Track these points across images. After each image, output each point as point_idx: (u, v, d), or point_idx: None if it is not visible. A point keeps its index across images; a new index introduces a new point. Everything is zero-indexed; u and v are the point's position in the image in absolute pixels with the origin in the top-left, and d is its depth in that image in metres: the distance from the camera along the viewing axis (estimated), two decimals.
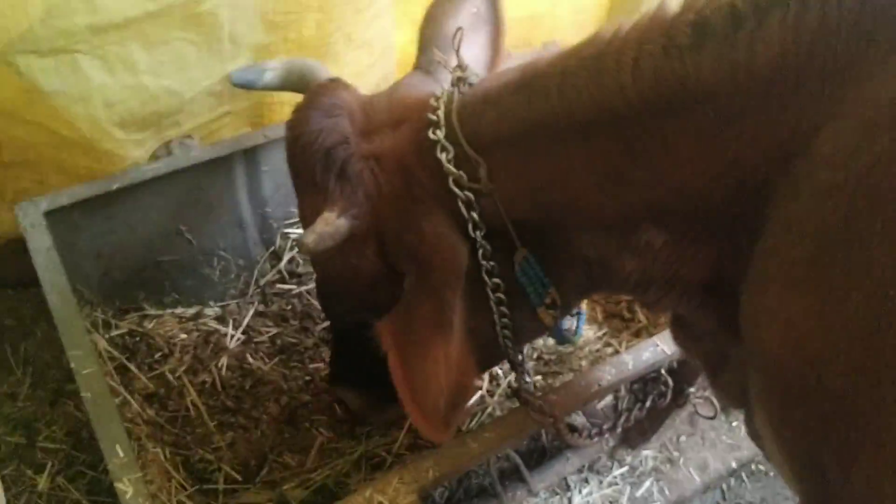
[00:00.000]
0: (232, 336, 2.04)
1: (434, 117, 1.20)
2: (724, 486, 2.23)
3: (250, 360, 2.01)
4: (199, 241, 2.03)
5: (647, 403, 1.84)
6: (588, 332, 2.17)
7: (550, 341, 2.14)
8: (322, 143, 1.22)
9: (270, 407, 1.94)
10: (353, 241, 1.21)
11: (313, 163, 1.22)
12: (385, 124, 1.28)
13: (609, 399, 2.00)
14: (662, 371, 1.79)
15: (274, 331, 2.07)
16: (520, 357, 1.47)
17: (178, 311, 2.07)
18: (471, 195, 1.18)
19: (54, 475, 1.89)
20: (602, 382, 1.66)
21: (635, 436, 2.13)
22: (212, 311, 2.09)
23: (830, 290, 0.89)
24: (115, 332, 1.96)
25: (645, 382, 1.86)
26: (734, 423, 2.28)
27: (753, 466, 2.26)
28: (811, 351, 0.92)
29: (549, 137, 1.12)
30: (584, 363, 2.09)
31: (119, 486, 1.38)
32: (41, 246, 1.68)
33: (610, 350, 2.13)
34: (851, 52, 0.89)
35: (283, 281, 2.15)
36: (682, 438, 2.23)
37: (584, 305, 1.60)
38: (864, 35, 0.89)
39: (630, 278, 1.23)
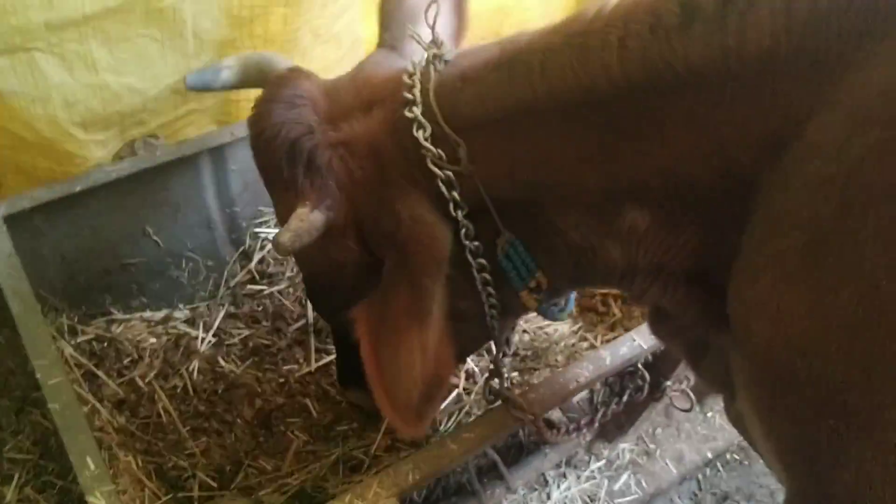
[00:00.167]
0: (202, 339, 1.99)
1: (409, 95, 1.16)
2: (700, 477, 2.24)
3: (222, 363, 1.97)
4: (167, 243, 1.99)
5: (625, 398, 1.84)
6: (563, 327, 2.16)
7: (527, 337, 2.12)
8: (286, 136, 1.17)
9: (244, 411, 1.90)
10: (331, 233, 1.16)
11: (279, 158, 1.17)
12: (353, 108, 1.23)
13: (584, 393, 2.00)
14: (639, 365, 1.79)
15: (245, 332, 2.03)
16: (505, 339, 1.46)
17: (147, 314, 2.02)
18: (451, 174, 1.15)
19: (22, 486, 1.84)
20: (580, 379, 1.64)
21: (612, 429, 2.13)
22: (181, 313, 2.05)
23: (822, 281, 0.88)
24: (81, 338, 1.91)
25: (621, 377, 1.85)
26: (709, 414, 2.29)
27: (728, 456, 2.27)
28: (802, 342, 0.91)
29: (531, 116, 1.09)
30: (560, 358, 2.08)
31: (91, 499, 1.34)
32: (1, 252, 1.62)
33: (585, 344, 2.12)
34: (843, 40, 0.88)
35: (253, 281, 2.11)
36: (658, 431, 2.24)
37: None
38: (856, 23, 0.87)
39: (615, 266, 1.20)
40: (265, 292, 2.10)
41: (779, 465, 1.07)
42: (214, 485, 1.74)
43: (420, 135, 1.14)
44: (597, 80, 1.02)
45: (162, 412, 1.85)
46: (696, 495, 2.21)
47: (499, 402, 1.53)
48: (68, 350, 1.86)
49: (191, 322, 2.04)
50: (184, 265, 2.05)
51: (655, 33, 0.98)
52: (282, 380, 1.97)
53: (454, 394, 1.95)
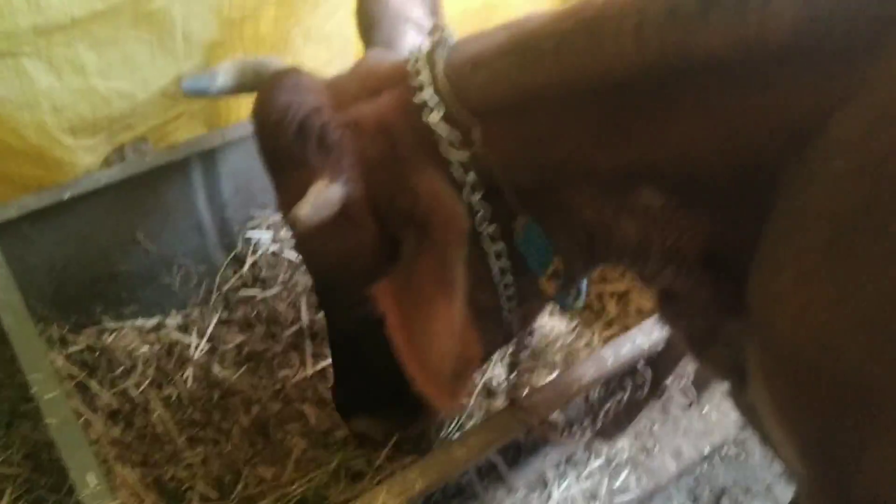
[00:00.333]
0: (196, 346, 1.96)
1: (419, 79, 1.15)
2: (698, 471, 2.24)
3: (217, 370, 1.93)
4: (158, 249, 1.95)
5: (626, 397, 1.83)
6: (559, 325, 2.15)
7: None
8: (294, 116, 1.15)
9: (241, 418, 1.87)
10: (346, 210, 1.14)
11: (289, 138, 1.14)
12: (358, 96, 1.21)
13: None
14: (640, 364, 1.78)
15: (240, 338, 2.00)
16: (525, 333, 1.44)
17: (138, 322, 1.98)
18: (465, 156, 1.13)
19: (14, 501, 1.79)
20: (584, 380, 1.63)
21: (611, 427, 2.12)
22: (173, 320, 2.01)
23: (847, 276, 0.88)
24: (72, 349, 1.87)
25: (621, 375, 1.85)
26: (705, 409, 2.29)
27: (725, 450, 2.27)
28: (827, 337, 0.91)
29: (544, 99, 1.08)
30: (557, 357, 2.06)
31: None
32: None
33: (583, 342, 2.11)
34: (869, 31, 0.86)
35: (246, 286, 2.08)
36: (656, 427, 2.23)
37: None
38: (883, 13, 0.86)
39: (630, 243, 1.19)
40: (258, 297, 2.06)
41: (796, 457, 1.07)
42: (214, 496, 1.71)
43: (433, 116, 1.13)
44: (612, 66, 1.02)
45: (158, 422, 1.81)
46: (693, 490, 2.22)
47: (502, 406, 1.52)
48: (60, 361, 1.82)
49: (183, 329, 2.00)
50: (175, 271, 2.01)
51: (673, 20, 0.96)
52: (278, 386, 1.94)
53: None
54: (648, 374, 1.80)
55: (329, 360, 1.98)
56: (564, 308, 1.47)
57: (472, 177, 1.15)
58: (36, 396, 1.42)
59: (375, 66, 1.28)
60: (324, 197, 1.09)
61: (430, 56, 1.18)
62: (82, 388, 1.83)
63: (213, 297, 2.05)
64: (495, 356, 2.00)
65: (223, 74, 1.40)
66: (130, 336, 1.94)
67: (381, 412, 1.56)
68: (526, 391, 1.92)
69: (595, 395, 1.89)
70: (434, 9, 1.49)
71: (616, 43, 1.00)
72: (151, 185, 1.83)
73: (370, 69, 1.27)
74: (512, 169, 1.16)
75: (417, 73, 1.16)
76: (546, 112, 1.10)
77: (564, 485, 2.06)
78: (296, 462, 1.78)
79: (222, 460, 1.77)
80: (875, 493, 0.95)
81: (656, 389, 1.86)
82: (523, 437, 2.04)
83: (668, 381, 1.86)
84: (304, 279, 2.11)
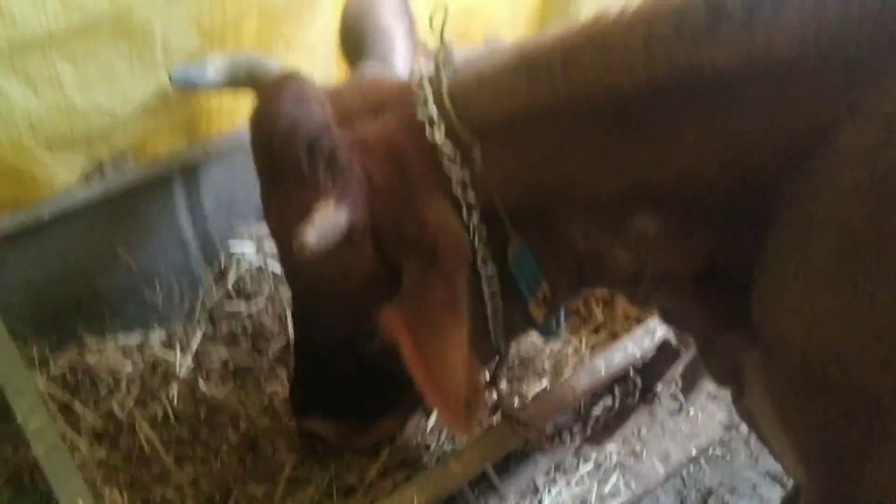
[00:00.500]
0: (181, 363, 1.92)
1: (422, 97, 1.14)
2: (684, 473, 2.25)
3: (203, 386, 1.90)
4: (139, 265, 1.91)
5: (617, 404, 1.83)
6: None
7: (513, 346, 2.10)
8: (303, 132, 1.12)
9: (230, 435, 1.83)
10: (349, 236, 1.12)
11: (297, 155, 1.11)
12: (362, 111, 1.20)
13: None
14: (631, 371, 1.78)
15: (225, 354, 1.97)
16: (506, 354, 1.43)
17: (121, 340, 1.94)
18: (466, 176, 1.13)
19: None
20: (577, 390, 1.63)
21: (600, 433, 2.12)
22: (157, 337, 1.97)
23: (856, 288, 0.89)
24: (54, 370, 1.82)
25: (613, 382, 1.85)
26: (691, 412, 2.30)
27: (711, 451, 2.28)
28: (837, 347, 0.93)
29: (549, 117, 1.08)
30: (546, 365, 2.05)
31: None
32: None
33: (571, 349, 2.11)
34: (874, 45, 0.87)
35: (230, 300, 2.04)
36: (644, 430, 2.24)
37: None
38: (888, 28, 0.86)
39: (622, 272, 1.21)
40: (243, 311, 2.03)
41: (799, 462, 1.08)
42: None
43: (435, 134, 1.12)
44: (620, 82, 1.02)
45: (144, 442, 1.77)
46: (681, 492, 2.23)
47: (498, 418, 1.51)
48: (41, 383, 1.77)
49: (167, 345, 1.96)
50: (158, 287, 1.97)
51: (681, 36, 0.97)
52: (266, 401, 1.91)
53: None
54: (639, 380, 1.80)
55: None
56: (546, 336, 1.46)
57: (471, 196, 1.14)
58: (22, 425, 1.38)
59: (377, 81, 1.27)
60: (330, 221, 1.07)
61: (435, 74, 1.17)
62: (65, 410, 1.78)
63: (197, 312, 2.01)
64: None
65: (214, 68, 1.38)
66: (114, 354, 1.90)
67: (337, 417, 1.55)
68: (517, 401, 1.93)
69: (589, 404, 1.89)
70: (413, 24, 1.48)
71: (624, 58, 1.01)
72: (132, 201, 1.80)
73: (372, 85, 1.26)
74: (510, 190, 1.15)
75: (421, 90, 1.16)
76: (549, 130, 1.10)
77: (555, 491, 2.06)
78: (287, 479, 1.75)
79: (212, 479, 1.74)
80: (880, 500, 0.96)
81: (646, 395, 1.86)
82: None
83: (658, 388, 1.86)
84: (289, 292, 2.07)
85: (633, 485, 2.14)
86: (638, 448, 2.19)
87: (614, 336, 2.16)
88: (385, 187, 1.14)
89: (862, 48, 0.88)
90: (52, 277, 1.79)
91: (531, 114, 1.10)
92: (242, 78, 1.39)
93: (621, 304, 2.21)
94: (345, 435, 1.57)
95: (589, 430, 1.80)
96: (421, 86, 1.16)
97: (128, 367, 1.89)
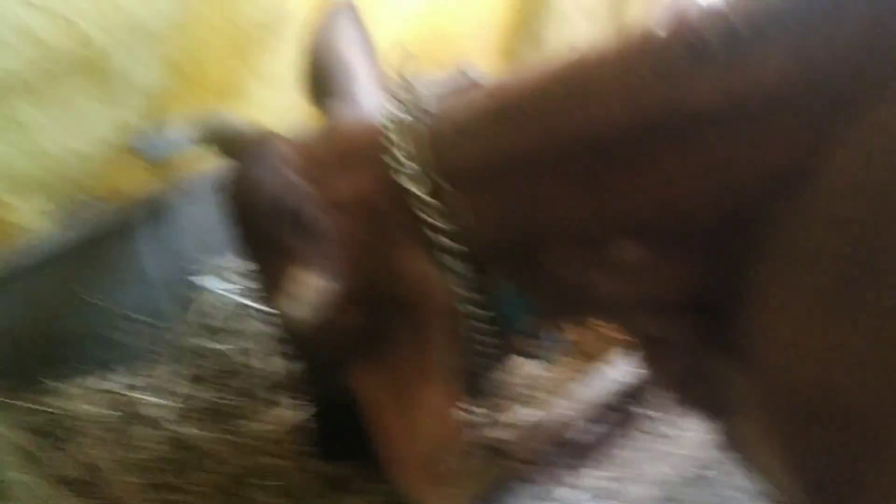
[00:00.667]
0: (152, 404, 1.87)
1: (396, 150, 1.13)
2: (670, 495, 2.23)
3: (175, 427, 1.85)
4: (108, 306, 1.86)
5: (605, 430, 1.82)
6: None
7: None
8: (279, 203, 1.10)
9: (207, 478, 1.79)
10: (333, 298, 1.11)
11: (276, 227, 1.10)
12: (335, 167, 1.18)
13: None
14: (614, 398, 1.77)
15: (196, 392, 1.92)
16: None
17: (90, 383, 1.88)
18: (444, 223, 1.12)
19: None
20: (565, 420, 1.62)
21: (591, 458, 2.11)
22: (127, 379, 1.92)
23: (845, 318, 0.90)
24: (22, 416, 1.76)
25: (599, 408, 1.84)
26: (673, 433, 2.29)
27: (696, 472, 2.27)
28: (827, 377, 0.93)
29: (528, 162, 1.08)
30: (523, 390, 2.03)
31: None
32: None
33: (544, 372, 2.08)
34: (861, 76, 0.88)
35: (198, 337, 2.00)
36: (633, 454, 2.22)
37: None
38: (875, 59, 0.86)
39: (606, 301, 1.20)
40: (211, 347, 1.98)
41: (797, 491, 1.07)
42: None
43: (412, 186, 1.11)
44: (597, 124, 1.01)
45: (118, 490, 1.72)
46: None
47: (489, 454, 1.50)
48: (6, 431, 1.71)
49: (137, 387, 1.91)
50: (125, 327, 1.92)
51: (660, 77, 0.97)
52: (239, 439, 1.86)
53: None
54: (627, 406, 1.79)
55: (291, 411, 1.92)
56: (539, 360, 1.45)
57: (449, 242, 1.13)
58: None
59: (346, 130, 1.25)
60: (313, 290, 1.06)
61: (408, 123, 1.16)
62: (36, 458, 1.72)
63: (165, 351, 1.97)
64: None
65: (177, 134, 1.35)
66: (83, 398, 1.84)
67: (360, 456, 1.50)
68: (503, 432, 1.90)
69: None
70: (375, 58, 1.46)
71: (602, 103, 1.01)
72: (101, 242, 1.76)
73: (343, 135, 1.23)
74: (491, 233, 1.15)
75: (394, 141, 1.14)
76: (529, 174, 1.09)
77: None
78: None
79: None
80: None
81: (629, 418, 1.86)
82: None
83: (648, 412, 1.85)
84: (255, 325, 2.04)
85: None
86: (628, 472, 2.17)
87: (587, 356, 2.14)
88: (361, 244, 1.13)
89: (847, 84, 0.88)
90: (17, 324, 1.74)
91: (510, 161, 1.09)
92: (210, 139, 1.36)
93: (592, 322, 2.19)
94: (371, 473, 1.54)
95: (581, 459, 1.79)
96: (394, 137, 1.15)
97: (101, 412, 1.83)
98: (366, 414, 1.10)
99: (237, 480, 1.78)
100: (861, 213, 0.87)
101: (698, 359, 1.27)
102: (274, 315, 1.26)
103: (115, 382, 1.91)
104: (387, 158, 1.14)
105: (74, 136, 1.59)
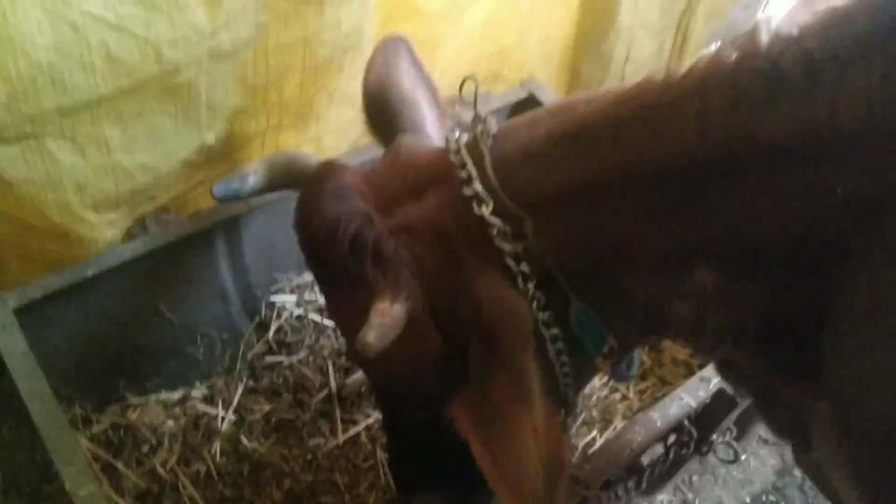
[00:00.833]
0: (222, 418, 1.90)
1: (464, 173, 1.11)
2: None
3: (245, 441, 1.87)
4: (181, 319, 1.89)
5: (671, 455, 1.78)
6: (594, 380, 2.10)
7: None
8: (345, 230, 1.08)
9: (273, 492, 1.80)
10: (410, 325, 1.07)
11: (342, 255, 1.08)
12: (402, 193, 1.17)
13: None
14: (685, 422, 1.73)
15: (267, 407, 1.94)
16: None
17: (163, 396, 1.91)
18: (518, 248, 1.10)
19: None
20: (634, 445, 1.59)
21: (653, 482, 2.07)
22: (199, 392, 1.95)
23: None
24: (97, 428, 1.80)
25: (667, 432, 1.80)
26: (743, 458, 2.24)
27: (765, 499, 2.22)
28: None
29: (600, 188, 1.05)
30: (595, 413, 2.01)
31: None
32: (15, 350, 1.51)
33: (618, 396, 2.06)
34: None
35: (271, 353, 2.02)
36: (695, 478, 2.18)
37: None
38: None
39: (683, 323, 1.16)
40: (284, 363, 2.00)
41: None
42: None
43: (483, 210, 1.09)
44: (673, 154, 0.99)
45: (188, 502, 1.74)
46: None
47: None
48: (84, 442, 1.75)
49: (209, 400, 1.94)
50: (199, 341, 1.95)
51: (737, 108, 0.94)
52: (309, 456, 1.88)
53: None
54: (693, 431, 1.75)
55: (360, 427, 1.93)
56: (619, 379, 1.43)
57: (524, 267, 1.12)
58: (69, 491, 1.36)
59: (412, 157, 1.24)
60: (388, 319, 1.02)
61: (475, 147, 1.15)
62: (108, 469, 1.76)
63: (238, 365, 1.99)
64: None
65: (253, 175, 1.36)
66: (155, 411, 1.87)
67: (445, 488, 1.49)
68: (575, 455, 1.88)
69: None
70: (435, 90, 1.45)
71: (677, 132, 0.98)
72: (174, 256, 1.78)
73: (409, 162, 1.22)
74: (565, 257, 1.12)
75: (462, 165, 1.13)
76: (601, 200, 1.07)
77: None
78: None
79: None
80: None
81: (702, 445, 1.82)
82: None
83: (713, 437, 1.81)
84: (329, 343, 2.05)
85: None
86: (690, 497, 2.13)
87: (662, 381, 2.12)
88: (436, 271, 1.10)
89: None
90: (94, 336, 1.77)
91: (581, 187, 1.07)
92: (282, 178, 1.37)
93: (668, 347, 2.17)
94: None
95: (644, 484, 1.75)
96: (462, 161, 1.13)
97: (170, 424, 1.87)
98: (472, 448, 1.07)
99: (298, 496, 1.79)
100: None
101: (773, 384, 1.25)
102: (348, 344, 1.26)
103: (191, 397, 1.94)
104: (453, 182, 1.12)
105: (152, 154, 1.62)
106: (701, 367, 2.11)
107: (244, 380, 1.97)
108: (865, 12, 0.87)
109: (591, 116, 1.05)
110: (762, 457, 2.26)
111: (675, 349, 2.17)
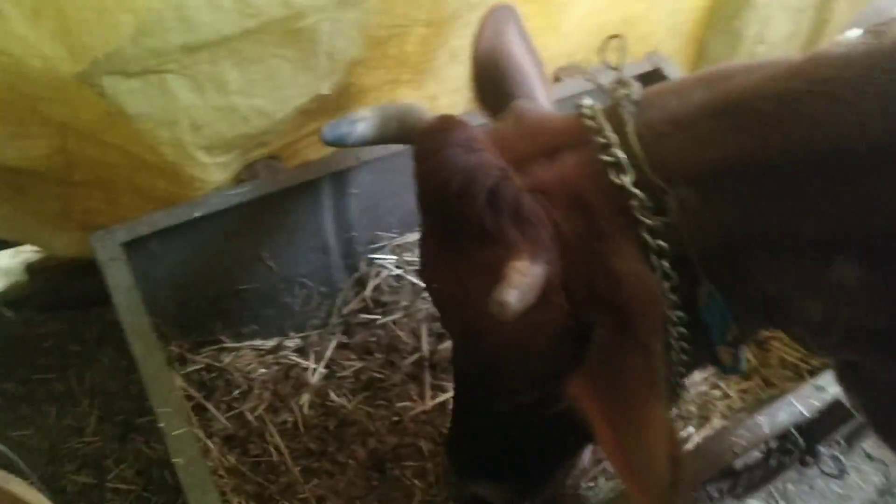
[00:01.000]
0: (313, 370, 1.89)
1: (603, 139, 1.04)
2: None
3: (333, 396, 1.86)
4: (281, 268, 1.88)
5: (772, 463, 1.69)
6: (693, 375, 2.00)
7: None
8: (483, 182, 1.00)
9: (357, 451, 1.79)
10: (543, 293, 0.98)
11: (478, 208, 0.99)
12: (533, 154, 1.09)
13: None
14: (792, 430, 1.63)
15: (358, 365, 1.92)
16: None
17: (257, 343, 1.92)
18: (657, 222, 1.02)
19: None
20: (736, 448, 1.50)
21: (744, 485, 1.98)
22: (292, 342, 1.94)
23: None
24: (191, 369, 1.81)
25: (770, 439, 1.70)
26: (842, 473, 2.12)
27: None
28: None
29: (757, 167, 0.97)
30: (692, 408, 1.92)
31: None
32: (121, 283, 1.53)
33: (718, 393, 1.96)
34: None
35: (367, 310, 1.99)
36: (790, 487, 2.07)
37: None
38: None
39: (812, 318, 1.08)
40: (379, 322, 1.98)
41: None
42: None
43: (624, 180, 1.02)
44: (849, 135, 0.90)
45: (273, 450, 1.74)
46: None
47: None
48: (178, 381, 1.76)
49: (302, 352, 1.93)
50: (296, 291, 1.94)
51: None
52: (395, 418, 1.85)
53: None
54: (800, 441, 1.65)
55: (449, 394, 1.89)
56: (727, 373, 1.34)
57: (661, 243, 1.04)
58: (164, 431, 1.36)
59: (541, 120, 1.16)
60: (528, 279, 0.95)
61: (613, 113, 1.07)
62: (199, 410, 1.77)
63: (333, 319, 1.97)
64: None
65: (363, 122, 1.29)
66: (249, 357, 1.88)
67: (506, 479, 1.43)
68: None
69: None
70: (539, 60, 1.37)
71: (857, 111, 0.89)
72: (280, 205, 1.76)
73: (537, 124, 1.14)
74: (702, 236, 1.04)
75: (600, 131, 1.05)
76: (755, 179, 0.99)
77: None
78: None
79: (338, 497, 1.69)
80: None
81: (807, 456, 1.71)
82: None
83: (820, 450, 1.70)
84: (426, 306, 2.01)
85: None
86: None
87: (767, 383, 2.01)
88: (572, 238, 1.02)
89: None
90: (197, 276, 1.78)
91: (736, 163, 0.98)
92: (394, 131, 1.30)
93: (776, 347, 2.05)
94: (512, 498, 1.47)
95: (738, 489, 1.67)
96: (599, 127, 1.06)
97: (261, 371, 1.87)
98: (597, 433, 1.01)
99: (381, 457, 1.76)
100: None
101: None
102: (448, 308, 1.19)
103: (284, 347, 1.94)
104: (591, 147, 1.05)
105: (268, 99, 1.60)
106: (812, 372, 2.00)
107: (337, 335, 1.96)
108: None
109: (756, 88, 0.97)
110: (865, 473, 2.13)
111: (783, 350, 2.05)
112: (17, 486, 1.32)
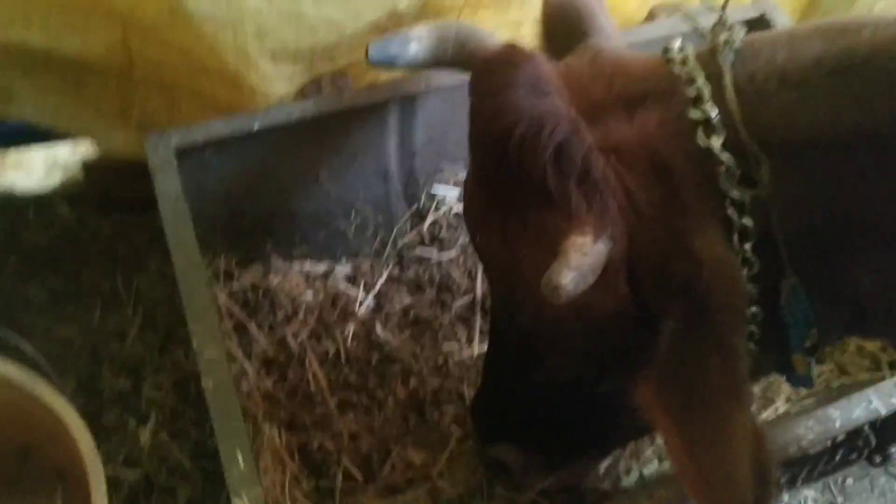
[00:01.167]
0: (361, 302, 1.81)
1: (694, 91, 0.91)
2: None
3: (379, 330, 1.79)
4: (338, 192, 1.80)
5: (838, 458, 1.57)
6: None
7: None
8: (550, 134, 0.87)
9: (397, 388, 1.72)
10: (603, 272, 0.86)
11: (541, 164, 0.86)
12: (609, 103, 0.95)
13: None
14: (866, 428, 1.51)
15: (407, 300, 1.84)
16: None
17: (307, 266, 1.84)
18: (746, 197, 0.89)
19: (157, 430, 1.73)
20: (803, 441, 1.38)
21: (803, 476, 1.87)
22: (342, 269, 1.87)
23: None
24: (236, 286, 1.76)
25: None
26: None
27: None
28: None
29: (877, 140, 0.85)
30: (755, 388, 1.80)
31: (237, 500, 1.19)
32: (169, 191, 1.46)
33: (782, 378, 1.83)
34: None
35: (422, 245, 1.90)
36: (849, 482, 1.95)
37: None
38: None
39: None
40: (433, 258, 1.89)
41: None
42: (359, 476, 1.57)
43: (713, 142, 0.88)
44: None
45: (311, 379, 1.69)
46: None
47: None
48: (222, 298, 1.71)
49: (351, 280, 1.86)
50: (352, 217, 1.86)
51: None
52: (440, 360, 1.77)
53: None
54: (872, 439, 1.53)
55: None
56: (794, 385, 1.21)
57: (747, 221, 0.90)
58: (196, 351, 1.31)
59: (620, 62, 1.01)
60: (589, 259, 0.82)
61: (710, 60, 0.93)
62: (240, 329, 1.72)
63: (387, 250, 1.89)
64: None
65: (417, 42, 1.16)
66: (296, 280, 1.81)
67: (529, 449, 1.34)
68: None
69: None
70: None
71: None
72: (343, 125, 1.67)
73: (615, 66, 1.00)
74: (793, 217, 0.91)
75: (691, 81, 0.91)
76: (864, 155, 0.86)
77: None
78: (451, 453, 1.62)
79: (372, 436, 1.63)
80: None
81: (877, 456, 1.59)
82: None
83: (893, 451, 1.58)
84: None
85: None
86: (840, 501, 1.91)
87: (841, 370, 1.86)
88: (647, 211, 0.89)
89: None
90: (250, 191, 1.71)
91: (849, 133, 0.86)
92: (450, 54, 1.15)
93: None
94: (532, 472, 1.37)
95: (798, 482, 1.56)
96: (690, 76, 0.92)
97: (308, 296, 1.80)
98: (665, 439, 0.90)
99: (421, 398, 1.70)
100: None
101: None
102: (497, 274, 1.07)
103: (334, 273, 1.86)
104: (677, 100, 0.92)
105: (340, 10, 1.50)
106: (893, 365, 1.86)
107: (389, 267, 1.87)
108: None
109: (890, 46, 0.82)
110: None
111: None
112: (44, 390, 1.29)
